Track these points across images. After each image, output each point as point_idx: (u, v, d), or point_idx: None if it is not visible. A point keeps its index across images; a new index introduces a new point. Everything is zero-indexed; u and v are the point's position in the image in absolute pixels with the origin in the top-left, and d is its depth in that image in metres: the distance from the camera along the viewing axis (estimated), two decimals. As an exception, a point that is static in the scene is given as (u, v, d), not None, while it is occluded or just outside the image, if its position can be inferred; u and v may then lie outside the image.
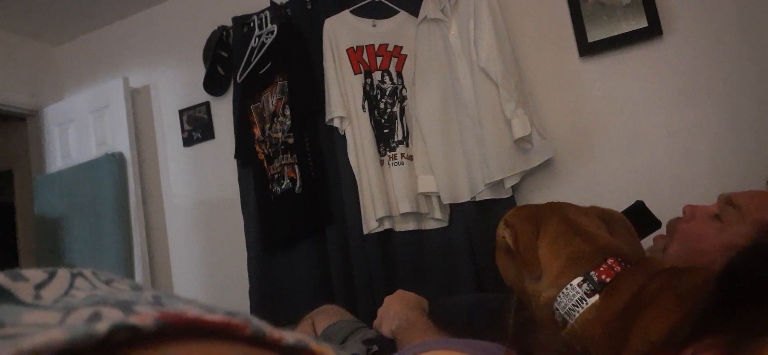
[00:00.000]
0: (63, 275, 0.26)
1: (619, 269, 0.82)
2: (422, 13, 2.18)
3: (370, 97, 2.25)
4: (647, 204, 1.27)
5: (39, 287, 0.26)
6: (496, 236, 0.98)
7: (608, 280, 0.80)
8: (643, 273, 0.79)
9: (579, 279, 0.81)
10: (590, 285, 0.80)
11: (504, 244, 0.94)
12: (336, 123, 2.24)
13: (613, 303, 0.77)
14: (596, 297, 0.79)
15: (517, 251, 0.89)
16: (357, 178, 2.20)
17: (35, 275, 0.26)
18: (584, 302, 0.79)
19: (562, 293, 0.81)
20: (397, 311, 1.14)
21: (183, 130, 2.87)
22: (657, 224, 1.14)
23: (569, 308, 0.80)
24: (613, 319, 0.75)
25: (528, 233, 0.90)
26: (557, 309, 0.82)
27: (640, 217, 1.13)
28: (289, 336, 0.21)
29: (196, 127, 2.84)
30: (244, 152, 2.52)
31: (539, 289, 0.86)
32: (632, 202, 1.27)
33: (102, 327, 0.18)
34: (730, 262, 0.55)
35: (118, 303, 0.22)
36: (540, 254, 0.87)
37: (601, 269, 0.81)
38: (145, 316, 0.19)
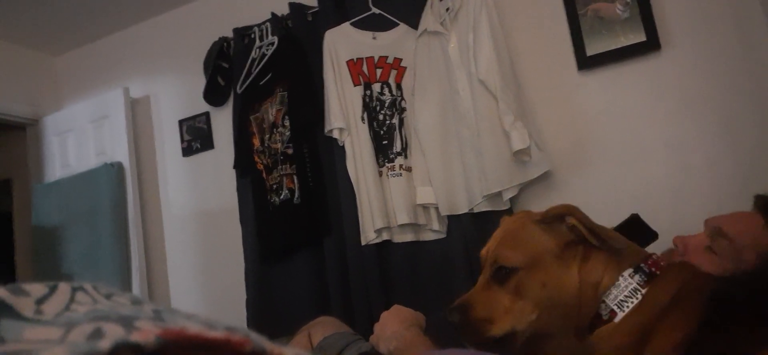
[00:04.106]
0: (64, 289, 0.26)
1: (663, 263, 0.83)
2: (422, 25, 2.19)
3: (370, 108, 2.25)
4: (645, 217, 1.27)
5: (40, 301, 0.26)
6: (538, 247, 0.89)
7: (658, 272, 0.81)
8: (687, 272, 0.80)
9: (630, 270, 0.81)
10: (643, 276, 0.80)
11: (558, 244, 0.86)
12: (335, 134, 2.24)
13: (656, 297, 0.77)
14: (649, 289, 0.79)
15: (597, 231, 0.83)
16: (355, 189, 2.20)
17: (36, 289, 0.26)
18: (638, 293, 0.79)
19: (615, 283, 0.81)
20: (395, 330, 1.12)
21: (182, 140, 2.88)
22: (654, 235, 1.14)
23: (621, 300, 0.79)
24: (653, 313, 0.74)
25: (587, 217, 0.86)
26: (606, 302, 0.81)
27: (636, 229, 1.13)
28: (288, 352, 0.21)
29: (196, 137, 2.84)
30: (243, 163, 2.53)
31: (602, 276, 0.82)
32: (629, 214, 1.27)
33: (104, 345, 0.18)
34: (715, 289, 0.57)
35: (120, 319, 0.22)
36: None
37: (650, 261, 0.82)
38: (146, 333, 0.19)
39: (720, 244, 1.01)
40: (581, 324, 0.84)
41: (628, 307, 0.79)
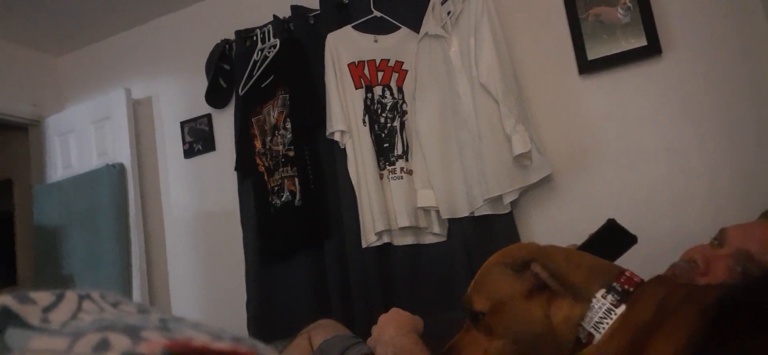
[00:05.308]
0: (71, 297, 0.27)
1: (637, 279, 0.83)
2: (423, 29, 2.19)
3: (371, 111, 2.26)
4: (646, 221, 1.27)
5: (47, 310, 0.26)
6: (501, 292, 0.90)
7: (631, 289, 0.81)
8: (666, 285, 0.80)
9: (603, 291, 0.82)
10: (615, 295, 0.81)
11: (522, 288, 0.88)
12: (336, 137, 2.24)
13: (639, 313, 0.77)
14: (623, 307, 0.80)
15: (560, 278, 0.85)
16: (356, 191, 2.21)
17: (43, 297, 0.26)
18: (612, 313, 0.80)
19: (589, 306, 0.82)
20: (392, 336, 1.11)
21: (184, 141, 2.88)
22: (633, 240, 1.13)
23: (596, 321, 0.80)
24: (638, 329, 0.75)
25: (557, 259, 0.87)
26: (582, 326, 0.82)
27: (613, 235, 1.12)
28: (293, 364, 0.21)
29: (198, 138, 2.84)
30: (245, 164, 2.53)
31: (569, 312, 0.84)
32: (632, 223, 1.26)
33: (111, 357, 0.18)
34: (722, 296, 0.57)
35: (126, 329, 0.22)
36: None
37: (622, 279, 0.83)
38: (153, 344, 0.19)
39: (750, 269, 1.00)
40: (563, 353, 0.85)
41: (603, 328, 0.79)
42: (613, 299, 0.81)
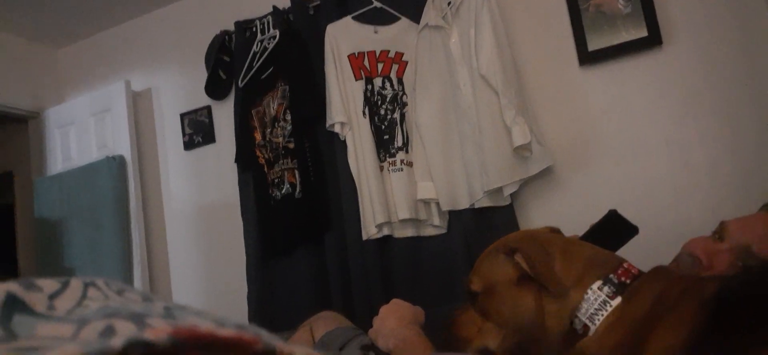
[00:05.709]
0: (76, 285, 0.27)
1: (635, 271, 0.83)
2: (423, 20, 2.19)
3: (371, 103, 2.25)
4: (646, 214, 1.27)
5: (52, 297, 0.26)
6: (493, 276, 0.92)
7: (628, 282, 0.81)
8: (664, 277, 0.80)
9: (599, 282, 0.82)
10: (611, 287, 0.81)
11: (513, 275, 0.89)
12: (336, 128, 2.24)
13: (637, 306, 0.77)
14: (619, 299, 0.80)
15: (537, 271, 0.85)
16: (357, 183, 2.21)
17: (49, 284, 0.27)
18: (607, 305, 0.80)
19: (584, 297, 0.82)
20: (393, 327, 1.11)
21: (184, 133, 2.88)
22: (634, 230, 1.14)
23: (591, 313, 0.80)
24: (636, 322, 0.75)
25: (541, 250, 0.88)
26: (578, 317, 0.82)
27: (615, 226, 1.13)
28: (298, 351, 0.22)
29: (197, 130, 2.84)
30: (245, 157, 2.53)
31: (562, 303, 0.84)
32: (633, 215, 1.26)
33: (116, 343, 0.18)
34: (720, 290, 0.57)
35: (131, 316, 0.22)
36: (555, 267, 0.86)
37: (619, 271, 0.83)
38: (158, 331, 0.19)
39: (750, 263, 1.01)
40: (554, 343, 0.85)
41: (598, 319, 0.79)
42: (608, 290, 0.81)
